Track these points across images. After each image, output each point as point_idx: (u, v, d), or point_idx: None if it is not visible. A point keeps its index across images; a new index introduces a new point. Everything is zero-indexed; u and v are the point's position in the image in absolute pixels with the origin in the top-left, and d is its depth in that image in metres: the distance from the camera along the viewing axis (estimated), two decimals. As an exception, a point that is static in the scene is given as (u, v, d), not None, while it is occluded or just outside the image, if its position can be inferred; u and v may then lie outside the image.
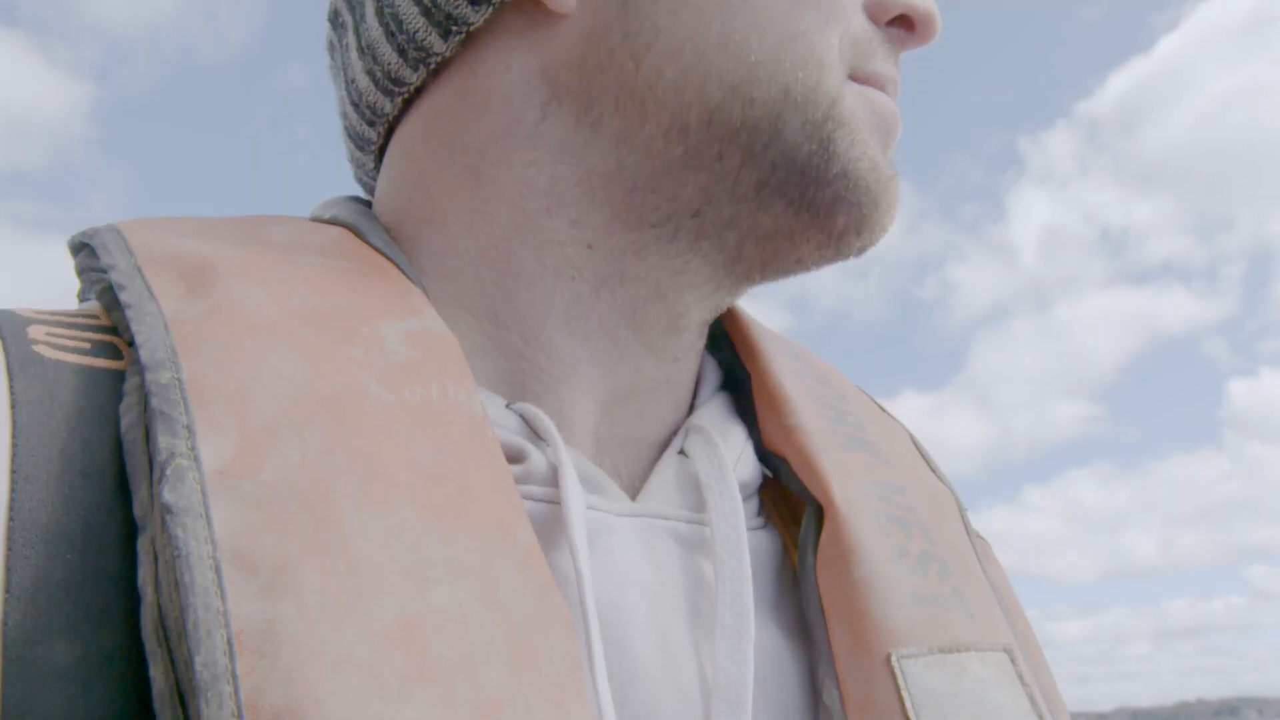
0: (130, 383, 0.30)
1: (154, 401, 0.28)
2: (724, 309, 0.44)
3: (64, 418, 0.29)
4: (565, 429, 0.39)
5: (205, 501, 0.26)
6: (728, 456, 0.40)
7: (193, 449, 0.27)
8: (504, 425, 0.36)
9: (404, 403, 0.32)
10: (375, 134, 0.44)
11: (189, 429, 0.28)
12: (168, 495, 0.26)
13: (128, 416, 0.29)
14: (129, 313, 0.32)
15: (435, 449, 0.31)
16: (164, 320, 0.31)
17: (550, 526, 0.35)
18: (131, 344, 0.31)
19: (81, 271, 0.37)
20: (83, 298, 0.39)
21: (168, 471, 0.27)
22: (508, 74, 0.39)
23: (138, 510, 0.27)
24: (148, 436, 0.28)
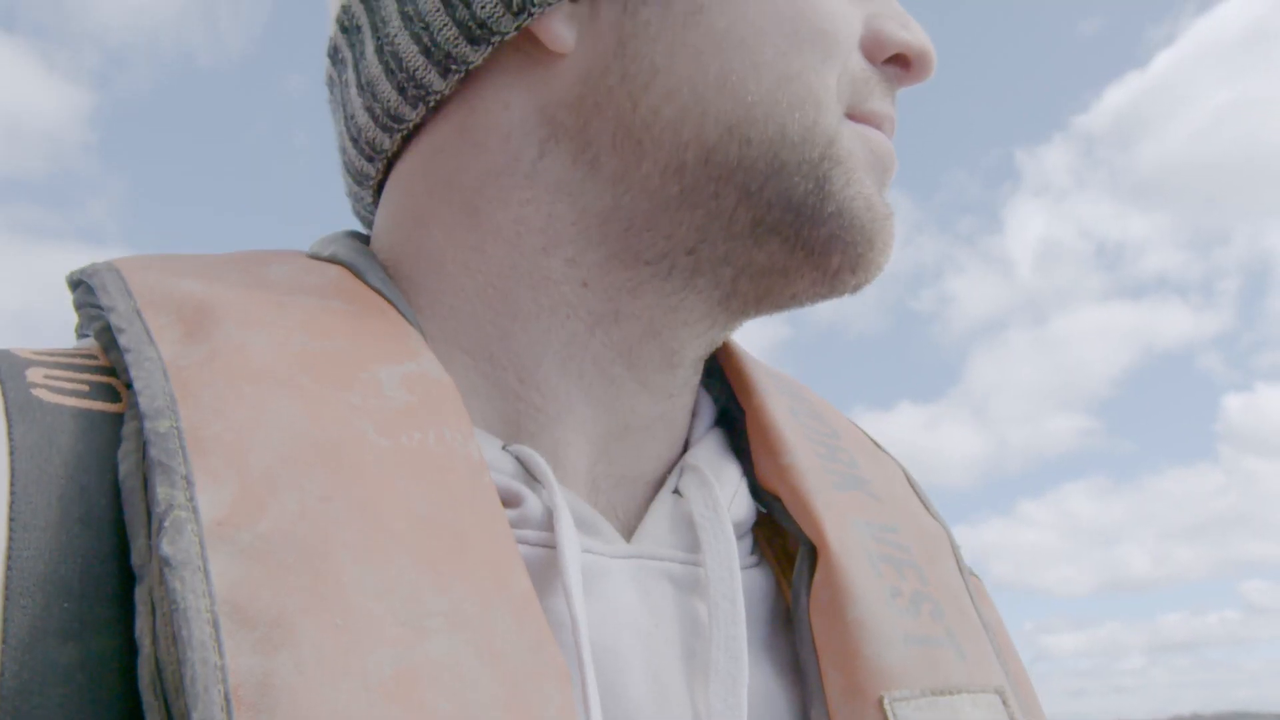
0: (128, 427, 0.30)
1: (152, 451, 0.28)
2: (719, 343, 0.44)
3: (62, 463, 0.29)
4: (560, 469, 0.39)
5: (203, 554, 0.26)
6: (722, 496, 0.40)
7: (191, 500, 0.27)
8: (500, 468, 0.36)
9: (401, 449, 0.32)
10: (374, 170, 0.44)
11: (187, 479, 0.28)
12: (166, 548, 0.26)
13: (126, 463, 0.29)
14: (128, 357, 0.32)
15: (432, 496, 0.31)
16: (163, 366, 0.31)
17: (546, 570, 0.35)
18: (130, 386, 0.31)
19: (79, 306, 0.37)
20: (80, 333, 0.39)
21: (166, 523, 0.27)
22: (506, 112, 0.40)
23: (135, 560, 0.27)
24: (145, 485, 0.28)
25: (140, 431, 0.30)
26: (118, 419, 0.32)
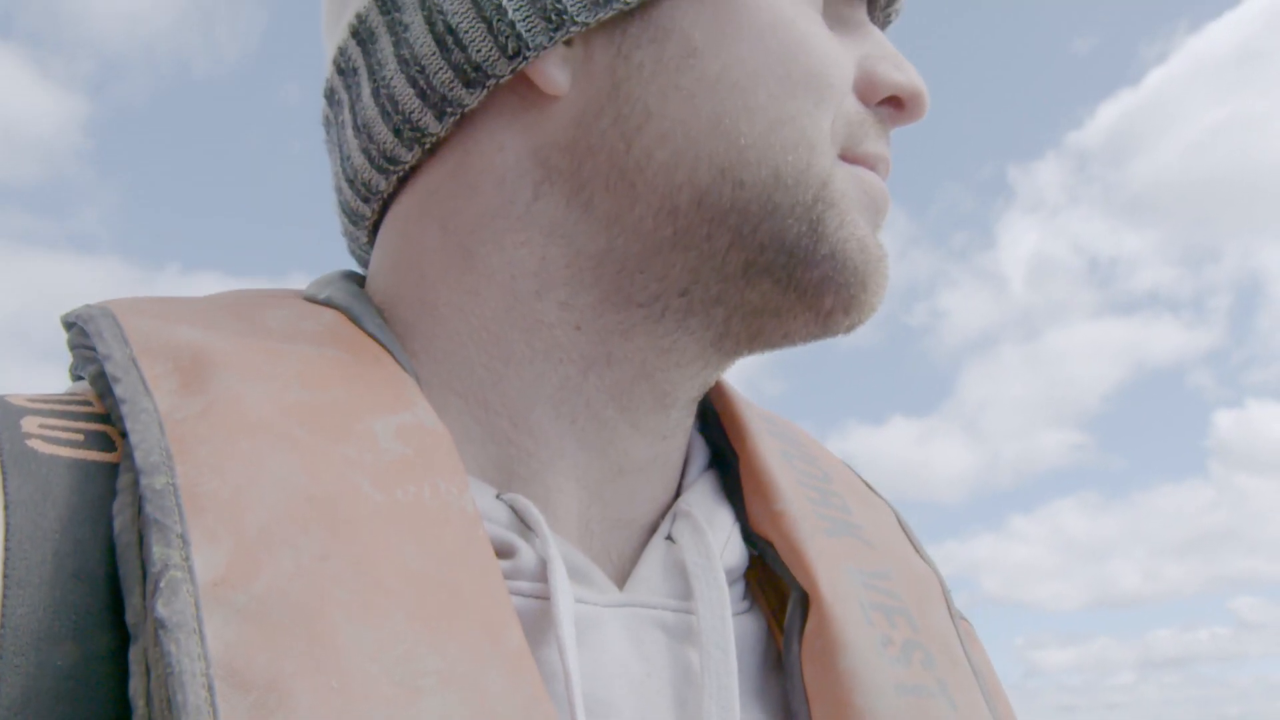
0: (124, 479, 0.30)
1: (148, 508, 0.28)
2: (711, 383, 0.44)
3: (57, 517, 0.29)
4: (552, 514, 0.39)
5: (199, 615, 0.26)
6: (714, 543, 0.40)
7: (187, 559, 0.27)
8: (494, 518, 0.37)
9: (396, 503, 0.32)
10: (369, 210, 0.44)
11: (183, 538, 0.28)
12: (161, 609, 0.26)
13: (121, 517, 0.29)
14: (124, 408, 0.32)
15: (427, 552, 0.31)
16: (159, 419, 0.31)
17: (539, 621, 0.35)
18: (125, 436, 0.31)
19: (74, 347, 0.37)
20: (74, 374, 0.39)
21: (161, 584, 0.27)
22: (501, 154, 0.40)
23: (130, 618, 0.27)
24: (141, 541, 0.28)
25: (136, 485, 0.30)
26: (113, 469, 0.32)
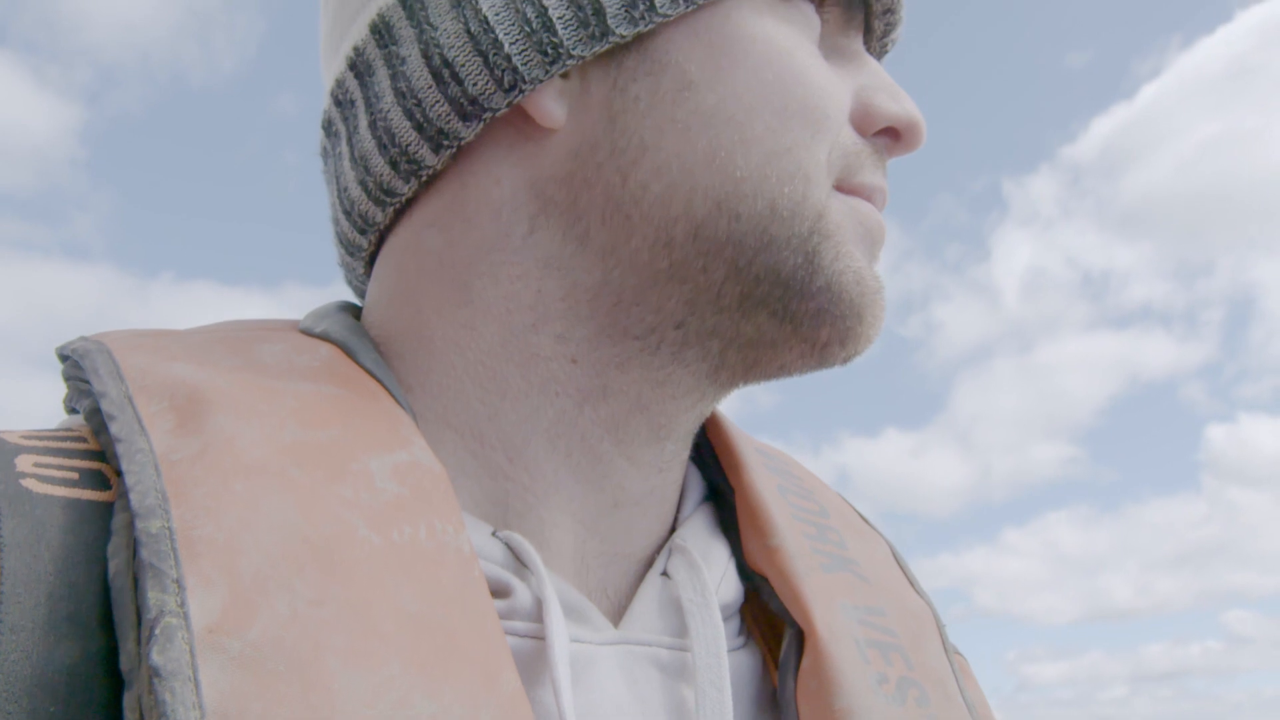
0: (119, 519, 0.30)
1: (144, 553, 0.28)
2: (707, 415, 0.44)
3: (51, 560, 0.29)
4: (548, 549, 0.39)
5: (194, 663, 0.26)
6: (710, 579, 0.40)
7: (182, 605, 0.27)
8: (490, 557, 0.36)
9: (392, 545, 0.32)
10: (366, 242, 0.44)
11: (179, 583, 0.28)
12: (156, 657, 0.26)
13: (116, 559, 0.29)
14: (119, 447, 0.32)
15: (423, 595, 0.31)
16: (154, 460, 0.31)
17: (534, 661, 0.35)
18: (120, 474, 0.31)
19: (69, 379, 0.37)
20: (69, 406, 0.39)
21: (157, 631, 0.27)
22: (497, 187, 0.40)
23: (124, 664, 0.27)
24: (136, 585, 0.28)
25: (131, 527, 0.30)
26: (108, 508, 0.32)
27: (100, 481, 0.33)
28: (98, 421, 0.34)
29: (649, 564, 0.42)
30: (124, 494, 0.30)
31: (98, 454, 0.34)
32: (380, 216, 0.42)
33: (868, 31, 0.45)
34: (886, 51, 0.47)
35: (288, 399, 0.35)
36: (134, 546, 0.29)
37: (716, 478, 0.47)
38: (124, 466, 0.31)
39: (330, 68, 0.44)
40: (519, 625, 0.35)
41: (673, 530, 0.44)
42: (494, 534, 0.38)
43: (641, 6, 0.38)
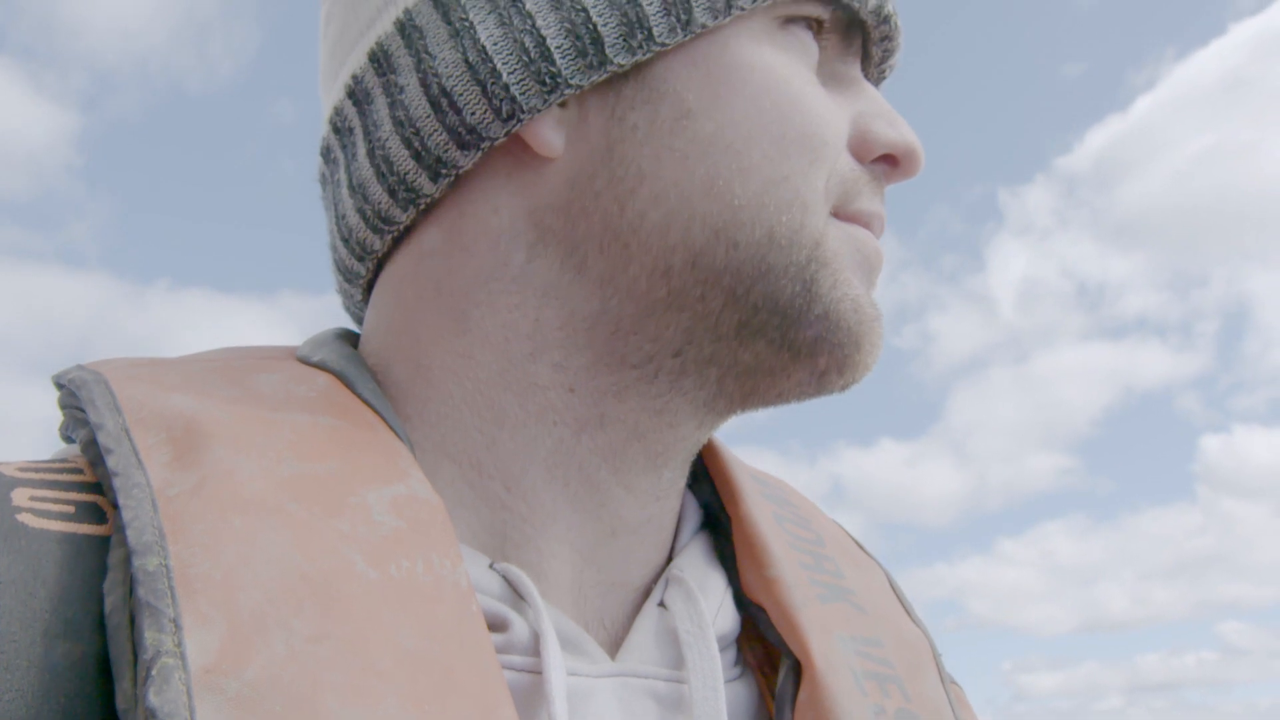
0: (115, 555, 0.30)
1: (140, 591, 0.28)
2: (704, 442, 0.44)
3: (47, 596, 0.29)
4: (545, 580, 0.39)
5: (190, 704, 0.26)
6: (707, 610, 0.40)
7: (179, 645, 0.27)
8: (487, 590, 0.36)
9: (390, 580, 0.32)
10: (364, 269, 0.44)
11: (175, 623, 0.28)
12: (153, 699, 0.26)
13: (112, 596, 0.29)
14: (116, 481, 0.32)
15: (420, 631, 0.31)
16: (152, 495, 0.31)
17: (532, 696, 0.35)
18: (116, 507, 0.31)
19: (64, 408, 0.37)
20: (65, 434, 0.39)
21: (154, 672, 0.27)
22: (495, 216, 0.40)
23: (120, 704, 0.27)
24: (132, 623, 0.28)
25: (127, 563, 0.29)
26: (104, 542, 0.32)
27: (97, 515, 0.33)
28: (94, 453, 0.34)
29: (646, 593, 0.42)
30: (121, 529, 0.30)
31: (94, 486, 0.34)
32: (378, 244, 0.42)
33: (865, 58, 0.45)
34: (884, 77, 0.47)
35: (285, 431, 0.35)
36: (131, 583, 0.29)
37: (714, 505, 0.46)
38: (121, 501, 0.31)
39: (329, 95, 0.44)
40: (516, 659, 0.35)
41: (670, 558, 0.43)
42: (491, 566, 0.37)
43: (639, 35, 0.38)
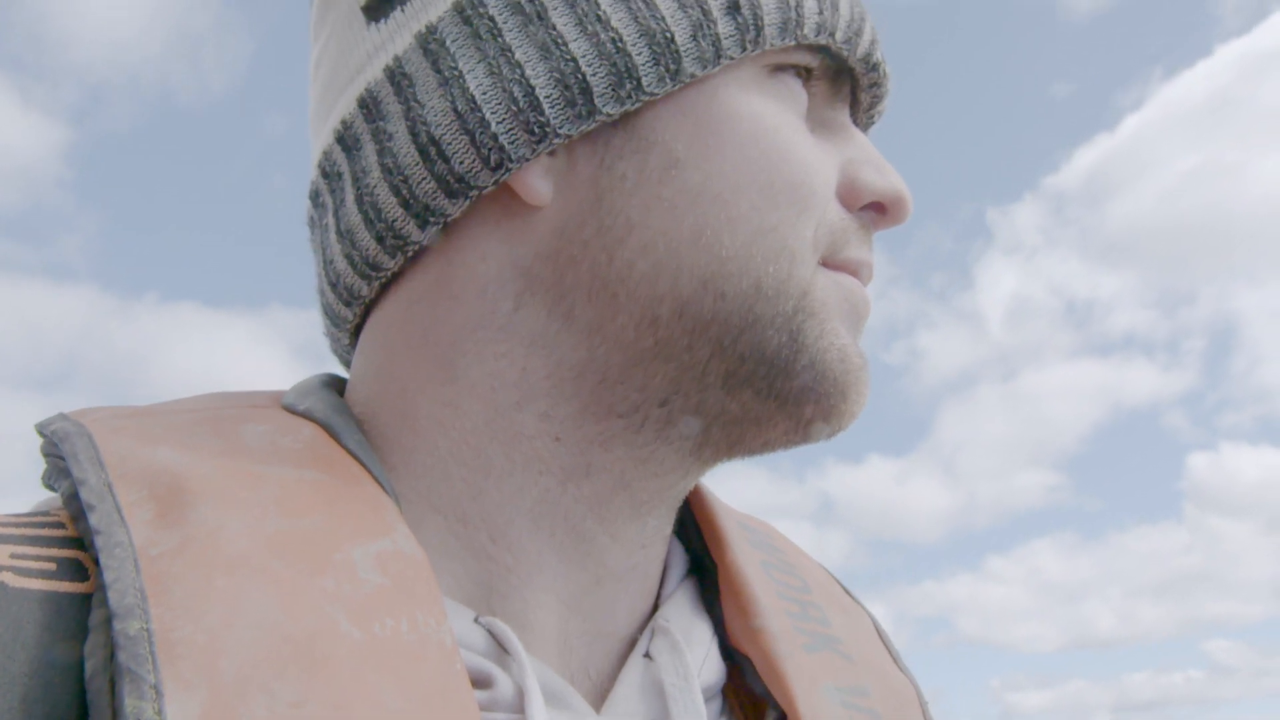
0: (96, 616, 0.30)
1: (121, 656, 0.28)
2: (690, 488, 0.44)
3: (27, 660, 0.29)
4: (530, 632, 0.38)
5: None
6: (692, 661, 0.40)
7: (160, 712, 0.27)
8: (471, 645, 0.36)
9: (374, 640, 0.31)
10: (352, 314, 0.44)
11: (156, 689, 0.28)
12: None
13: (93, 659, 0.29)
14: (98, 540, 0.31)
15: (404, 691, 0.31)
16: (134, 555, 0.31)
17: None
18: (98, 563, 0.31)
19: (47, 455, 0.37)
20: (47, 482, 0.39)
21: None
22: (483, 264, 0.40)
23: None
24: (113, 688, 0.28)
25: (109, 625, 0.29)
26: (85, 601, 0.31)
27: (78, 572, 0.32)
28: (76, 508, 0.34)
29: (632, 643, 0.41)
30: (102, 588, 0.30)
31: (76, 541, 0.34)
32: (366, 290, 0.42)
33: (854, 104, 0.46)
34: (873, 123, 0.47)
35: (271, 486, 0.35)
36: (112, 647, 0.29)
37: (700, 552, 0.46)
38: (103, 561, 0.31)
39: (319, 139, 0.44)
40: (500, 717, 0.35)
41: (656, 607, 0.43)
42: (476, 620, 0.37)
43: (628, 85, 0.38)
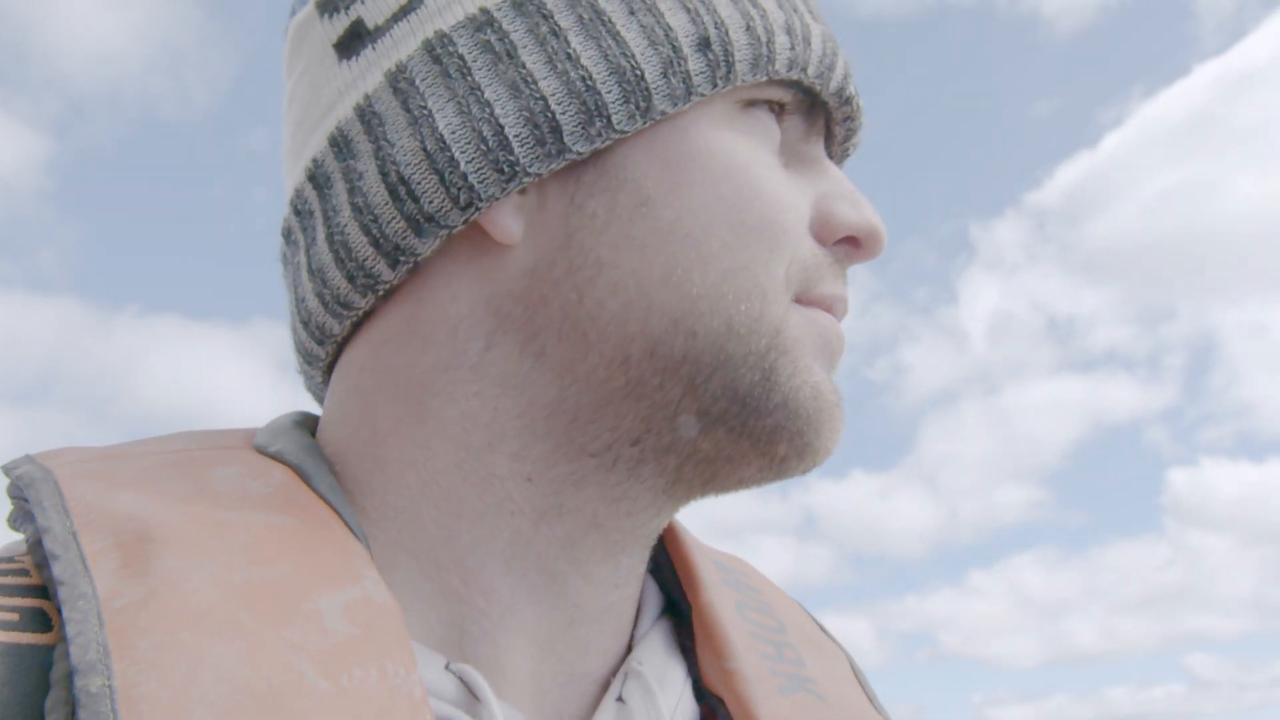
0: (58, 670, 0.30)
1: (82, 714, 0.28)
2: (664, 526, 0.44)
3: None
4: (502, 676, 0.38)
5: None
6: (665, 704, 0.40)
7: None
8: (442, 694, 0.36)
9: (342, 691, 0.31)
10: (324, 352, 0.44)
11: None
12: None
13: (54, 717, 0.29)
14: (61, 591, 0.31)
15: None
16: (98, 607, 0.31)
17: None
18: (61, 612, 0.31)
19: (14, 498, 0.37)
20: (13, 523, 0.38)
21: None
22: (454, 304, 0.40)
23: None
24: None
25: (70, 679, 0.29)
26: (48, 652, 0.31)
27: (42, 622, 0.32)
28: (40, 556, 0.33)
29: (605, 685, 0.41)
30: (65, 640, 0.30)
31: (40, 589, 0.34)
32: (337, 328, 0.42)
33: (829, 136, 0.45)
34: (849, 155, 0.47)
35: (239, 533, 0.35)
36: (73, 704, 0.29)
37: (675, 591, 0.46)
38: (66, 614, 0.30)
39: (291, 176, 0.44)
40: None
41: (630, 647, 0.43)
42: (447, 667, 0.37)
43: (598, 123, 0.38)
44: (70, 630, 0.30)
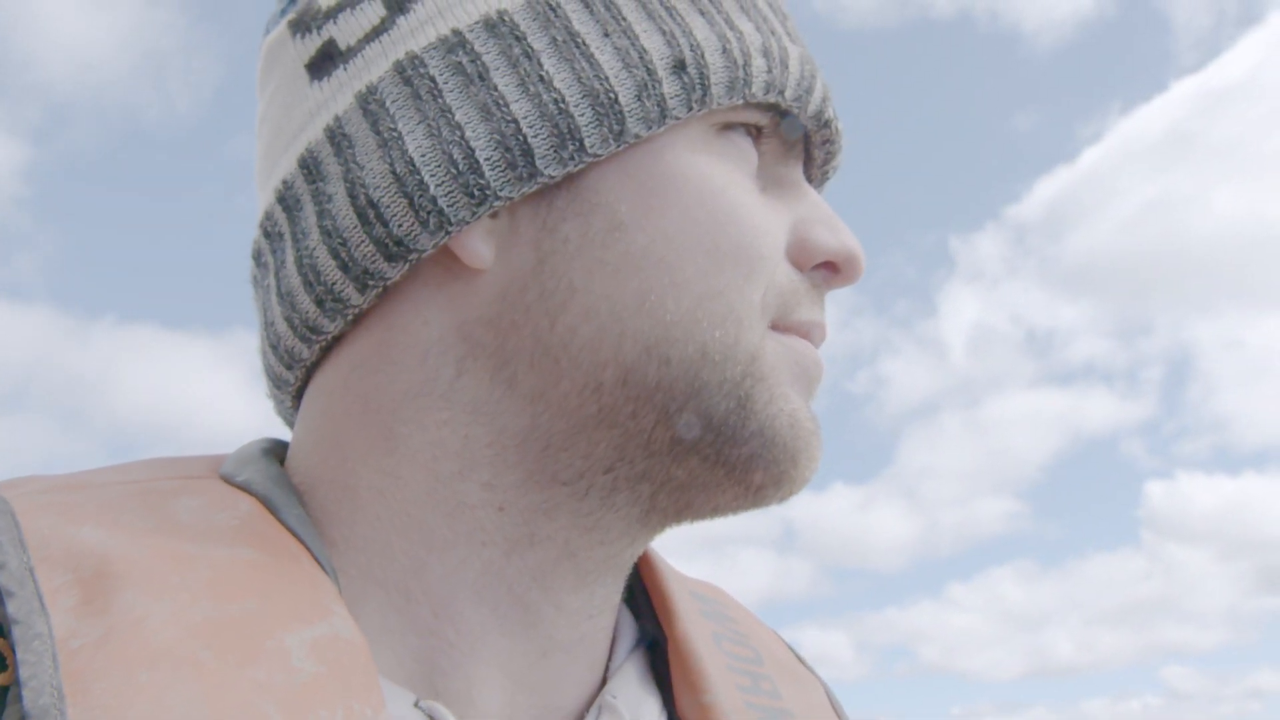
0: (10, 714, 0.29)
1: None
2: (638, 555, 0.43)
3: None
4: (473, 710, 0.37)
5: None
6: None
7: None
8: None
9: None
10: (293, 377, 0.43)
11: None
12: None
13: None
14: (16, 630, 0.30)
15: None
16: (53, 648, 0.30)
17: None
18: (15, 652, 0.30)
19: None
20: None
21: None
22: (425, 329, 0.39)
23: None
24: None
25: None
26: (2, 694, 0.30)
27: None
28: None
29: (579, 719, 0.41)
30: (18, 683, 0.29)
31: None
32: (307, 353, 0.41)
33: (808, 159, 0.45)
34: (828, 179, 0.47)
35: (202, 569, 0.34)
36: None
37: (649, 623, 0.46)
38: (20, 655, 0.30)
39: (262, 196, 0.44)
40: None
41: (605, 679, 0.42)
42: (417, 704, 0.36)
43: (571, 146, 0.37)
44: (24, 673, 0.29)
